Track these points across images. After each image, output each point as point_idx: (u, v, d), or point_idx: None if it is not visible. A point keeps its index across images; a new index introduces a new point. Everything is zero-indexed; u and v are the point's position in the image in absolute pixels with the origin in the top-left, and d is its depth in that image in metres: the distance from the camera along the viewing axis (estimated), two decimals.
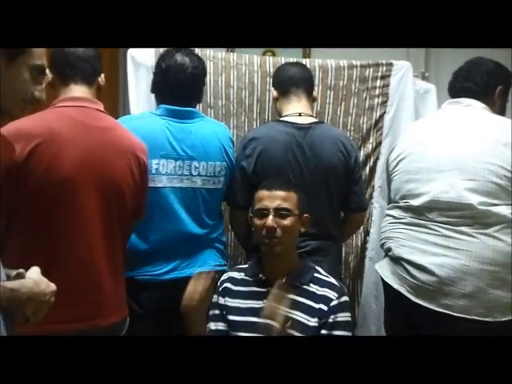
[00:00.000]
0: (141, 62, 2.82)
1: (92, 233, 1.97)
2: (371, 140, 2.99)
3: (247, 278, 2.13)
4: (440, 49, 3.66)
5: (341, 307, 2.00)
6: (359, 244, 3.01)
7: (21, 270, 1.42)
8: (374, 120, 2.99)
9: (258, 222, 2.06)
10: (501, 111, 2.28)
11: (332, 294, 2.00)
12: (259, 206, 2.07)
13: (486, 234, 1.99)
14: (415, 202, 2.14)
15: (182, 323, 2.39)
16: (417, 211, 2.14)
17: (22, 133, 1.84)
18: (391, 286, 2.18)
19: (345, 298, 2.03)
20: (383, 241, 2.31)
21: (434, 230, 2.08)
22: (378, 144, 2.98)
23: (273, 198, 2.05)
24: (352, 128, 2.97)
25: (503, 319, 1.97)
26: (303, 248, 2.33)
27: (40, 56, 1.45)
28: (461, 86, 2.27)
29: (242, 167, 2.44)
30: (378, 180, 2.97)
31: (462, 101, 2.24)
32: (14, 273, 1.42)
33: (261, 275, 2.09)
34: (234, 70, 2.92)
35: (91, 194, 1.95)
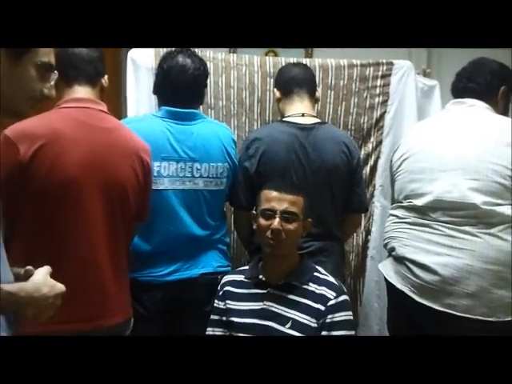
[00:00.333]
0: (141, 63, 2.81)
1: (95, 234, 1.97)
2: (372, 139, 2.99)
3: (247, 280, 2.13)
4: (442, 49, 3.66)
5: (339, 307, 1.98)
6: (360, 243, 3.01)
7: (29, 268, 1.42)
8: (374, 119, 2.99)
9: (263, 222, 2.05)
10: (504, 111, 2.28)
11: (330, 293, 1.99)
12: (267, 206, 2.06)
13: (489, 234, 1.99)
14: (419, 202, 2.14)
15: (184, 324, 2.42)
16: (420, 211, 2.14)
17: (25, 134, 1.85)
18: (394, 286, 2.18)
19: (343, 297, 2.02)
20: (386, 240, 2.31)
21: (438, 230, 2.07)
22: (379, 143, 2.98)
23: (281, 201, 2.04)
24: (353, 127, 2.96)
25: (506, 319, 1.97)
26: (306, 248, 2.34)
27: (47, 53, 1.44)
28: (464, 87, 2.27)
29: (245, 168, 2.44)
30: (379, 179, 2.98)
31: (466, 101, 2.24)
32: (22, 271, 1.42)
33: (260, 276, 2.09)
34: (235, 70, 2.92)
35: (95, 195, 1.96)
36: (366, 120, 2.98)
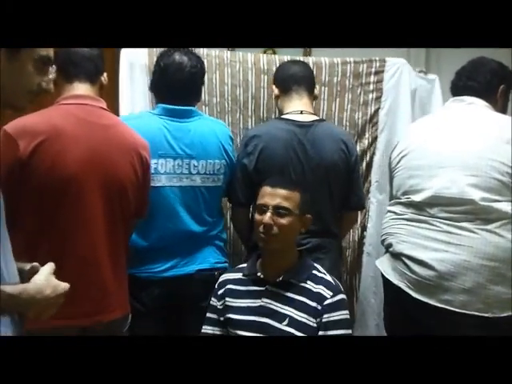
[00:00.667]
0: (134, 61, 2.80)
1: (95, 230, 1.99)
2: (367, 135, 3.00)
3: (245, 277, 2.13)
4: (440, 49, 3.67)
5: (335, 306, 1.98)
6: (356, 239, 3.02)
7: (35, 264, 1.43)
8: (368, 115, 3.01)
9: (257, 217, 2.07)
10: (502, 110, 2.30)
11: (326, 293, 1.99)
12: (260, 201, 2.08)
13: (487, 230, 2.01)
14: (417, 198, 2.15)
15: (181, 320, 2.42)
16: (418, 207, 2.15)
17: (26, 130, 1.85)
18: (391, 282, 2.19)
19: (340, 297, 2.02)
20: (384, 237, 2.32)
21: (435, 226, 2.09)
22: (374, 139, 3.00)
23: (274, 196, 2.05)
24: (347, 124, 2.98)
25: (502, 315, 1.98)
26: (304, 245, 2.34)
27: None
28: (464, 85, 2.29)
29: (244, 165, 2.45)
30: (375, 175, 2.99)
31: (465, 99, 2.26)
32: (28, 266, 1.43)
33: (258, 273, 2.09)
34: (228, 67, 2.92)
35: (94, 192, 1.97)
36: (360, 116, 3.00)
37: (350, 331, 2.01)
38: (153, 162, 2.28)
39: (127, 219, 2.11)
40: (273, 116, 2.85)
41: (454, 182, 2.06)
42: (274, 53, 3.65)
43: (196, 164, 2.40)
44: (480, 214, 2.02)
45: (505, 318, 1.98)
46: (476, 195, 2.02)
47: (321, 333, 1.95)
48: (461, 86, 2.30)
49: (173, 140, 2.37)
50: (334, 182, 2.45)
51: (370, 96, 3.00)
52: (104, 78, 2.20)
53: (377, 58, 2.99)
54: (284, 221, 2.02)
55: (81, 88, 2.07)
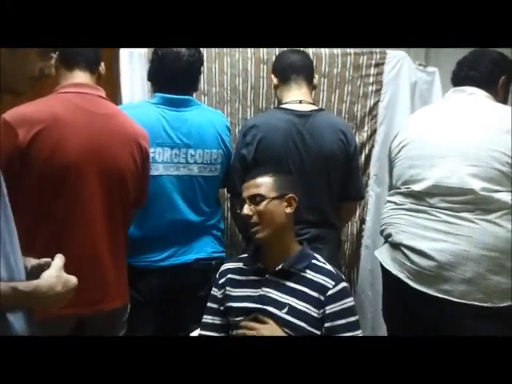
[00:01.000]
0: (134, 50, 2.79)
1: (94, 219, 1.98)
2: (366, 128, 2.99)
3: (245, 267, 2.12)
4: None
5: (339, 295, 1.96)
6: (355, 232, 3.02)
7: (47, 260, 1.44)
8: (368, 108, 2.99)
9: (241, 213, 2.06)
10: (503, 101, 2.29)
11: (328, 282, 1.97)
12: (241, 198, 2.08)
13: (486, 220, 2.00)
14: (417, 188, 2.14)
15: (179, 309, 2.42)
16: (418, 197, 2.14)
17: (25, 118, 1.84)
18: (390, 272, 2.18)
19: (342, 285, 1.99)
20: (383, 227, 2.31)
21: (435, 216, 2.08)
22: (373, 132, 2.99)
23: (248, 188, 2.04)
24: (346, 116, 2.97)
25: (502, 305, 1.98)
26: (303, 236, 2.32)
27: None
28: (465, 75, 2.27)
29: (242, 155, 2.43)
30: (374, 168, 2.99)
31: (466, 89, 2.25)
32: (34, 262, 1.44)
33: (258, 264, 2.08)
34: (228, 56, 2.90)
35: (93, 181, 1.96)
36: (359, 108, 2.99)
37: (357, 317, 1.98)
38: (150, 150, 2.27)
39: (126, 208, 2.11)
40: (272, 106, 2.83)
41: (455, 172, 2.05)
42: None
43: (193, 153, 2.40)
44: (480, 204, 2.01)
45: (504, 307, 1.97)
46: (476, 185, 2.01)
47: (327, 324, 1.93)
48: (462, 76, 2.29)
49: (170, 129, 2.37)
50: (332, 172, 2.43)
51: (370, 88, 2.99)
52: (102, 67, 2.19)
53: (377, 50, 2.97)
54: (260, 207, 2.00)
55: (80, 76, 2.07)
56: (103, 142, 1.99)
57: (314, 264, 2.04)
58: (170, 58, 2.35)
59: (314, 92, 2.67)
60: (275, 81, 2.58)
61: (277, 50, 2.85)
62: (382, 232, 2.34)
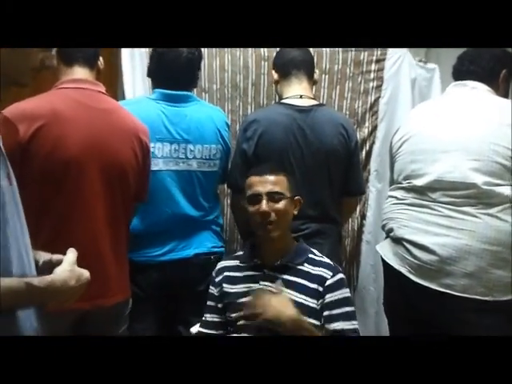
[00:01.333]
0: None
1: (95, 214, 1.97)
2: (367, 124, 3.00)
3: (242, 264, 2.11)
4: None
5: (337, 285, 1.98)
6: (356, 228, 3.02)
7: (59, 258, 1.42)
8: (369, 104, 3.00)
9: (251, 208, 2.03)
10: (505, 94, 2.28)
11: (327, 273, 1.98)
12: (251, 192, 2.04)
13: (488, 214, 1.99)
14: (419, 182, 2.13)
15: (179, 304, 2.43)
16: (420, 191, 2.13)
17: (25, 114, 1.84)
18: (392, 267, 2.17)
19: (340, 276, 2.00)
20: (385, 222, 2.30)
21: (437, 211, 2.07)
22: (374, 128, 2.99)
23: (264, 183, 2.02)
24: (347, 112, 2.97)
25: (503, 299, 1.97)
26: (303, 231, 2.32)
27: None
28: (466, 70, 2.26)
29: (243, 150, 2.42)
30: (374, 164, 3.00)
31: (468, 83, 2.24)
32: (46, 257, 1.44)
33: (256, 260, 2.08)
34: (229, 53, 2.91)
35: (95, 176, 1.96)
36: (360, 105, 2.99)
37: (353, 308, 1.99)
38: (150, 146, 2.27)
39: (128, 203, 2.11)
40: (273, 103, 2.83)
41: (457, 167, 2.04)
42: None
43: (192, 148, 2.41)
44: (482, 199, 2.00)
45: (506, 301, 1.97)
46: (478, 179, 2.00)
47: (326, 313, 1.93)
48: (463, 70, 2.28)
49: (170, 125, 2.38)
50: (333, 167, 2.42)
51: (371, 84, 2.99)
52: (100, 62, 2.20)
53: None
54: (280, 205, 2.00)
55: (80, 72, 2.07)
56: (104, 138, 1.98)
57: (311, 258, 2.05)
58: (169, 54, 2.35)
59: (314, 88, 2.67)
60: (276, 76, 2.57)
61: None
62: (383, 227, 2.33)
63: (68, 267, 1.38)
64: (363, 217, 3.01)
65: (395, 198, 2.26)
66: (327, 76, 2.95)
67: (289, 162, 2.34)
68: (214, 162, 2.47)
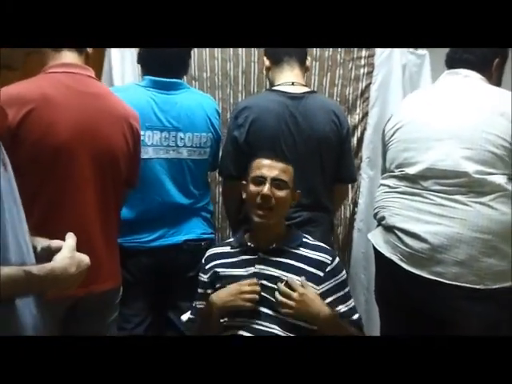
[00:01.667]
0: None
1: (86, 200, 1.96)
2: (358, 111, 2.98)
3: (234, 249, 2.12)
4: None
5: (337, 269, 2.02)
6: (348, 215, 3.02)
7: (58, 245, 1.41)
8: (360, 90, 2.99)
9: (253, 188, 2.04)
10: (497, 83, 2.27)
11: (327, 258, 2.02)
12: (257, 173, 2.05)
13: (480, 203, 1.99)
14: (411, 171, 2.13)
15: (169, 290, 2.44)
16: (412, 180, 2.13)
17: (14, 98, 1.81)
18: (383, 255, 2.18)
19: (338, 259, 2.06)
20: (376, 210, 2.30)
21: (429, 199, 2.07)
22: (365, 114, 2.98)
23: (272, 168, 2.03)
24: (338, 99, 2.96)
25: (494, 287, 1.97)
26: (295, 219, 2.32)
27: None
28: (459, 58, 2.25)
29: (234, 137, 2.41)
30: (366, 151, 2.99)
31: (460, 72, 2.22)
32: (45, 244, 1.43)
33: (249, 243, 2.08)
34: None
35: (86, 161, 1.94)
36: (351, 91, 2.98)
37: (349, 288, 2.05)
38: (140, 134, 2.24)
39: (118, 189, 2.09)
40: (263, 91, 2.81)
41: (449, 155, 2.04)
42: None
43: (182, 136, 2.40)
44: (474, 187, 2.00)
45: (497, 289, 1.97)
46: (470, 168, 2.00)
47: (330, 299, 1.97)
48: (456, 58, 2.26)
49: (160, 112, 2.37)
50: (325, 154, 2.41)
51: (362, 71, 2.98)
52: None
53: None
54: (282, 193, 2.01)
55: (69, 56, 2.02)
56: (94, 123, 1.96)
57: (305, 242, 2.07)
58: None
59: (306, 74, 2.65)
60: (267, 63, 2.55)
61: None
62: (375, 215, 2.33)
63: (68, 254, 1.36)
64: (355, 204, 3.01)
65: (387, 186, 2.26)
66: (318, 63, 2.94)
67: (280, 150, 2.33)
68: (205, 150, 2.46)
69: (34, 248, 1.42)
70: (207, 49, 2.87)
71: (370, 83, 2.98)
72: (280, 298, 1.91)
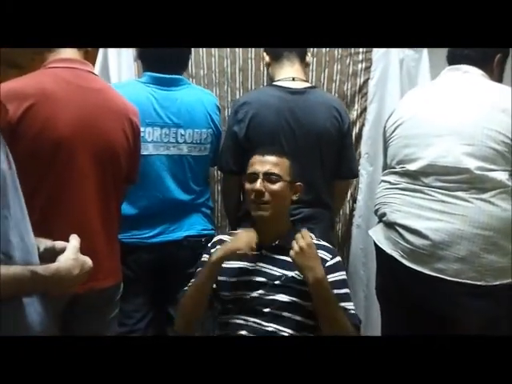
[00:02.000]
0: None
1: (86, 196, 1.95)
2: (356, 106, 2.97)
3: None
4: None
5: (336, 267, 2.03)
6: (347, 212, 3.01)
7: (62, 246, 1.43)
8: (358, 86, 2.96)
9: (248, 186, 2.06)
10: (499, 79, 2.27)
11: (326, 256, 2.02)
12: (250, 170, 2.07)
13: (481, 199, 1.99)
14: (412, 167, 2.13)
15: (168, 286, 2.44)
16: (413, 176, 2.13)
17: (14, 93, 1.80)
18: (384, 251, 2.18)
19: (339, 258, 2.07)
20: (377, 206, 2.30)
21: (430, 195, 2.07)
22: (364, 110, 2.96)
23: (263, 163, 2.05)
24: (336, 94, 2.93)
25: (495, 283, 1.98)
26: (296, 215, 2.33)
27: None
28: (460, 53, 2.25)
29: (234, 132, 2.41)
30: (365, 147, 2.97)
31: (461, 67, 2.22)
32: (48, 244, 1.44)
33: None
34: None
35: (86, 156, 1.93)
36: (349, 87, 2.96)
37: (349, 290, 2.04)
38: (141, 130, 2.24)
39: (119, 185, 2.09)
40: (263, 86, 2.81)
41: (450, 151, 2.04)
42: None
43: (183, 133, 2.40)
44: (475, 184, 2.00)
45: (497, 286, 1.97)
46: (471, 164, 2.00)
47: None
48: (457, 54, 2.26)
49: (160, 108, 2.37)
50: (325, 150, 2.41)
51: (360, 66, 2.95)
52: None
53: None
54: (275, 187, 2.02)
55: (68, 52, 2.01)
56: (95, 118, 1.95)
57: None
58: None
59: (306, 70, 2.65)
60: (267, 58, 2.55)
61: None
62: (376, 211, 2.33)
63: (72, 255, 1.38)
64: (354, 200, 3.00)
65: (388, 182, 2.26)
66: (315, 59, 2.91)
67: (280, 145, 2.33)
68: (205, 146, 2.46)
69: (37, 248, 1.42)
70: None
71: (368, 78, 2.96)
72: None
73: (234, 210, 2.55)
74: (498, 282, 1.98)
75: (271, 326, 1.95)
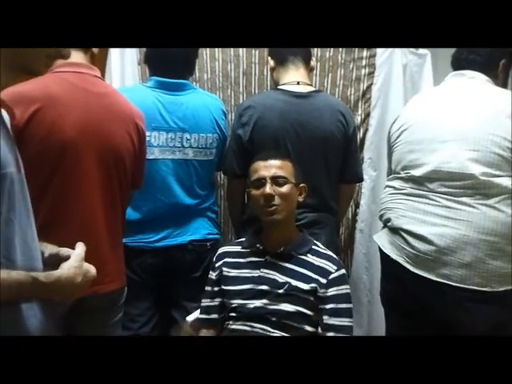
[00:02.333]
0: None
1: (92, 199, 1.96)
2: (360, 112, 2.97)
3: (245, 249, 2.13)
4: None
5: (340, 280, 2.02)
6: (350, 216, 3.01)
7: (67, 253, 1.42)
8: (361, 91, 2.97)
9: (255, 192, 2.06)
10: (503, 85, 2.28)
11: (331, 267, 2.02)
12: (256, 176, 2.07)
13: (486, 205, 1.99)
14: (417, 172, 2.13)
15: (173, 290, 2.45)
16: (418, 181, 2.13)
17: (21, 97, 1.81)
18: (389, 257, 2.17)
19: (343, 271, 2.06)
20: (382, 212, 2.30)
21: (435, 201, 2.07)
22: (367, 115, 2.97)
23: (268, 168, 2.05)
24: (339, 99, 2.93)
25: (500, 289, 1.98)
26: (301, 220, 2.32)
27: None
28: (465, 59, 2.25)
29: (238, 135, 2.41)
30: (368, 152, 2.97)
31: (466, 73, 2.22)
32: (53, 251, 1.44)
33: (258, 245, 2.09)
34: None
35: (91, 161, 1.94)
36: (352, 92, 2.97)
37: (351, 305, 2.03)
38: (146, 134, 2.25)
39: (124, 189, 2.09)
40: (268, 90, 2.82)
41: (455, 157, 2.04)
42: None
43: (188, 137, 2.41)
44: (480, 189, 2.00)
45: (503, 292, 1.97)
46: (476, 170, 2.00)
47: (329, 306, 1.97)
48: (462, 59, 2.26)
49: (166, 113, 2.37)
50: (330, 154, 2.41)
51: (363, 71, 2.97)
52: None
53: None
54: (283, 189, 2.03)
55: (75, 56, 2.01)
56: (100, 122, 1.96)
57: (315, 249, 2.08)
58: None
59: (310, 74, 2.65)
60: (272, 63, 2.55)
61: None
62: (381, 217, 2.33)
63: (75, 263, 1.37)
64: (357, 205, 3.00)
65: (393, 187, 2.26)
66: (319, 63, 2.92)
67: (285, 148, 2.33)
68: (211, 151, 2.47)
69: (42, 253, 1.42)
70: (207, 50, 2.86)
71: (371, 84, 2.97)
72: None
73: (239, 213, 2.55)
74: (503, 288, 1.97)
75: (277, 333, 1.95)
